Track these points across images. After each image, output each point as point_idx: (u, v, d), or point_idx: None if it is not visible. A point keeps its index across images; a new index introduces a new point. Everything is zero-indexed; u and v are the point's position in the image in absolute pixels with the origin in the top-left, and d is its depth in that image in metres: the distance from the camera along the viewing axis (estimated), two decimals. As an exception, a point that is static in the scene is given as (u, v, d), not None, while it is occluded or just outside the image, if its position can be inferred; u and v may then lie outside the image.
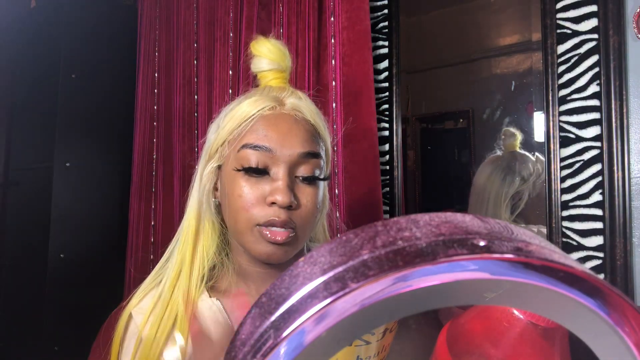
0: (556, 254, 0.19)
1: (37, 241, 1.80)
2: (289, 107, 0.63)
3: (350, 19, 1.31)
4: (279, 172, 0.60)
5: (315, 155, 0.62)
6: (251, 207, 0.60)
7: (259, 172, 0.60)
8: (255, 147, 0.60)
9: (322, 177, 0.64)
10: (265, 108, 0.62)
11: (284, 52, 0.68)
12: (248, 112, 0.62)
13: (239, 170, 0.60)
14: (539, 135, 1.27)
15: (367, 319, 0.18)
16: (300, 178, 0.62)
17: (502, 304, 0.19)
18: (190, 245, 0.66)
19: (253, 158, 0.59)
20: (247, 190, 0.60)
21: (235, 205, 0.60)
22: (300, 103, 0.64)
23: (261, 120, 0.61)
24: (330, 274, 0.18)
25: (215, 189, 0.67)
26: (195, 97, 1.77)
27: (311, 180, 0.62)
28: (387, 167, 1.40)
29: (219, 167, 0.66)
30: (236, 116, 0.62)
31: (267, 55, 0.66)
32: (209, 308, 0.64)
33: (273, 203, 0.59)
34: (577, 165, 1.08)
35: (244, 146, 0.60)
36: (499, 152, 1.30)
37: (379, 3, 1.43)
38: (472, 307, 0.39)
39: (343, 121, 1.28)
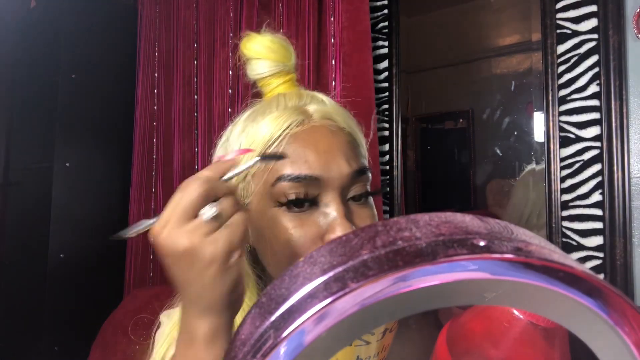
0: (556, 254, 0.19)
1: (37, 241, 1.80)
2: (319, 117, 0.52)
3: (350, 19, 1.31)
4: (331, 201, 0.48)
5: (364, 170, 0.52)
6: (306, 251, 0.48)
7: (306, 203, 0.48)
8: (297, 179, 0.48)
9: (372, 190, 0.54)
10: (293, 125, 0.50)
11: (287, 48, 0.55)
12: (272, 133, 0.50)
13: (280, 205, 0.49)
14: (539, 135, 1.27)
15: (367, 319, 0.18)
16: (353, 200, 0.51)
17: (502, 304, 0.19)
18: None
19: (296, 191, 0.48)
20: (296, 232, 0.48)
21: (284, 253, 0.49)
22: (328, 109, 0.53)
23: (292, 142, 0.49)
24: (330, 274, 0.18)
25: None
26: (195, 97, 1.77)
27: (364, 198, 0.52)
28: (387, 167, 1.40)
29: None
30: (257, 141, 0.50)
31: (267, 56, 0.54)
32: None
33: None
34: (577, 165, 1.08)
35: (281, 179, 0.48)
36: (534, 165, 1.29)
37: (379, 3, 1.43)
38: (472, 307, 0.39)
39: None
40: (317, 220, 0.49)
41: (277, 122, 0.50)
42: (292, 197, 0.48)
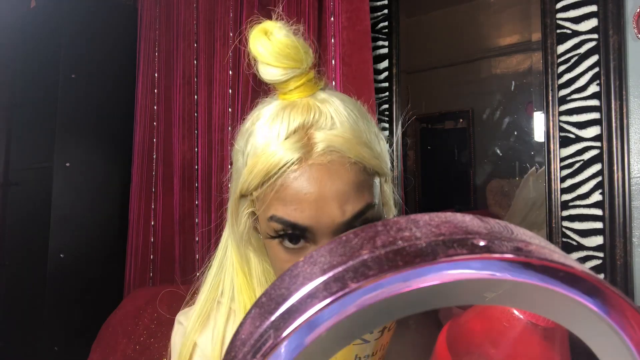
0: (556, 254, 0.19)
1: (37, 241, 1.80)
2: (320, 152, 0.47)
3: (350, 19, 1.31)
4: (322, 242, 0.48)
5: (363, 212, 0.48)
6: None
7: (301, 240, 0.49)
8: (285, 225, 0.48)
9: (375, 217, 0.51)
10: (289, 163, 0.47)
11: (299, 49, 0.49)
12: (271, 167, 0.48)
13: (272, 237, 0.50)
14: (539, 135, 1.27)
15: (367, 318, 0.18)
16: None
17: (502, 304, 0.19)
18: (241, 275, 0.58)
19: (285, 232, 0.49)
20: (288, 266, 0.46)
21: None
22: (334, 135, 0.48)
23: (288, 182, 0.47)
24: (330, 274, 0.18)
25: (256, 229, 0.56)
26: (195, 97, 1.77)
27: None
28: (387, 167, 1.40)
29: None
30: (258, 167, 0.49)
31: (278, 63, 0.48)
32: None
33: None
34: (577, 165, 1.08)
35: (272, 218, 0.48)
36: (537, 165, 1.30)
37: (379, 3, 1.43)
38: (472, 307, 0.39)
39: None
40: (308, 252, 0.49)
41: (274, 158, 0.48)
42: (282, 233, 0.48)
